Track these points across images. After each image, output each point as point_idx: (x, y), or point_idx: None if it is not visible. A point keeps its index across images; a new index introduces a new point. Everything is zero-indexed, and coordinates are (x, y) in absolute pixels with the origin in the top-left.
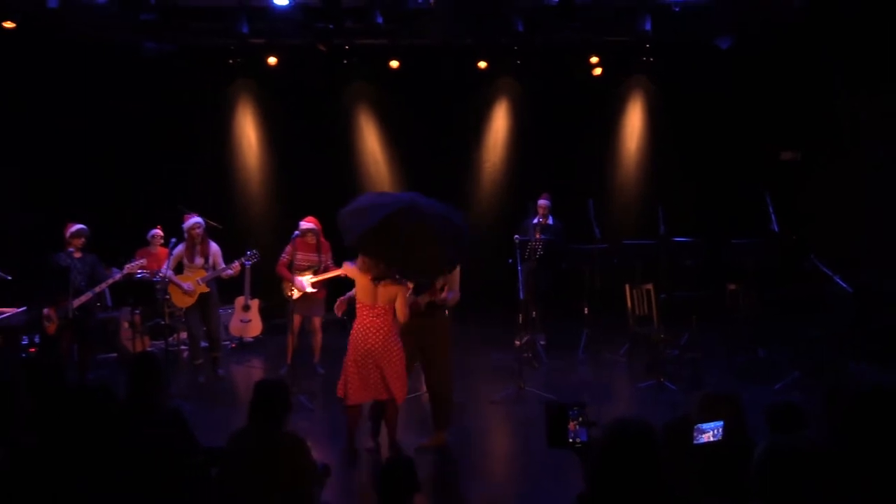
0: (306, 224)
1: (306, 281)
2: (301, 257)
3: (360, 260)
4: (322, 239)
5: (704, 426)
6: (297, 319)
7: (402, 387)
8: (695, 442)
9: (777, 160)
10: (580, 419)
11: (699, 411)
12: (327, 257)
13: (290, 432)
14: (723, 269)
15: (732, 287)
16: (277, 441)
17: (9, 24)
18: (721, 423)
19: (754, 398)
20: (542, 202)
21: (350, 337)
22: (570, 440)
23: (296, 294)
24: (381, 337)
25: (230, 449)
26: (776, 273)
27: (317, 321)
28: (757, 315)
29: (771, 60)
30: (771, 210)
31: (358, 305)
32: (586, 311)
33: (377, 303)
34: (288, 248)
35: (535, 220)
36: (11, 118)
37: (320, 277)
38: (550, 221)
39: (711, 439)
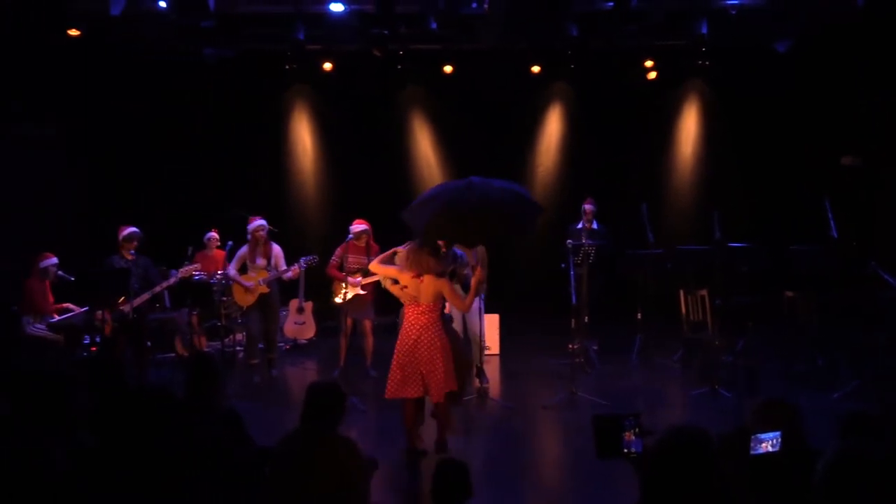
0: (359, 226)
1: (357, 282)
2: (351, 260)
3: (402, 257)
4: (371, 242)
5: (762, 436)
6: (348, 322)
7: (449, 383)
8: (752, 452)
9: (837, 165)
10: (636, 429)
11: (756, 418)
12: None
13: (340, 435)
14: (780, 275)
15: (790, 294)
16: (327, 443)
17: (74, 32)
18: (779, 433)
19: (812, 406)
20: (587, 206)
21: (398, 336)
22: (625, 451)
23: (348, 296)
24: (426, 334)
25: (281, 450)
26: (835, 279)
27: (367, 324)
28: (815, 322)
29: (831, 62)
30: (830, 216)
31: (405, 305)
32: (639, 317)
33: (421, 300)
34: (338, 251)
35: (580, 225)
36: (75, 124)
37: (369, 280)
38: (595, 226)
39: (770, 450)
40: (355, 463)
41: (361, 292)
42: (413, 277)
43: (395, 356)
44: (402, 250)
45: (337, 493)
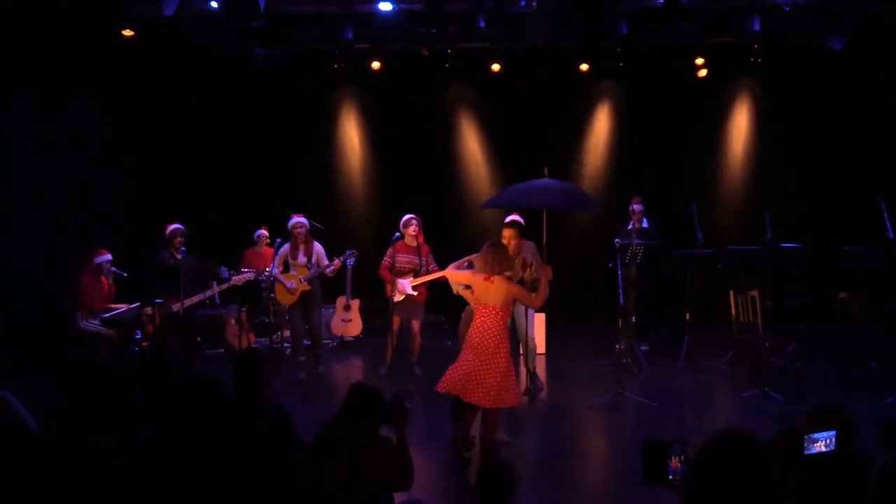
0: (406, 216)
1: (407, 284)
2: (402, 259)
3: (479, 259)
4: (421, 241)
5: (817, 436)
6: (396, 321)
7: (508, 392)
8: (806, 452)
9: (892, 164)
10: (682, 457)
11: (807, 422)
12: (428, 260)
13: (376, 436)
14: (833, 277)
15: (843, 296)
16: (358, 443)
17: (128, 33)
18: (834, 432)
19: (865, 411)
20: (635, 207)
21: (468, 335)
22: (671, 477)
23: (397, 297)
24: (490, 338)
25: (315, 447)
26: (891, 281)
27: (416, 324)
28: (870, 325)
29: (885, 60)
30: (886, 217)
31: (474, 307)
32: (688, 318)
33: (488, 302)
34: (389, 251)
35: (630, 226)
36: (130, 121)
37: (421, 280)
38: (645, 224)
39: (824, 449)
40: (385, 466)
41: (413, 293)
42: (484, 280)
43: (461, 354)
44: (476, 258)
45: (364, 493)
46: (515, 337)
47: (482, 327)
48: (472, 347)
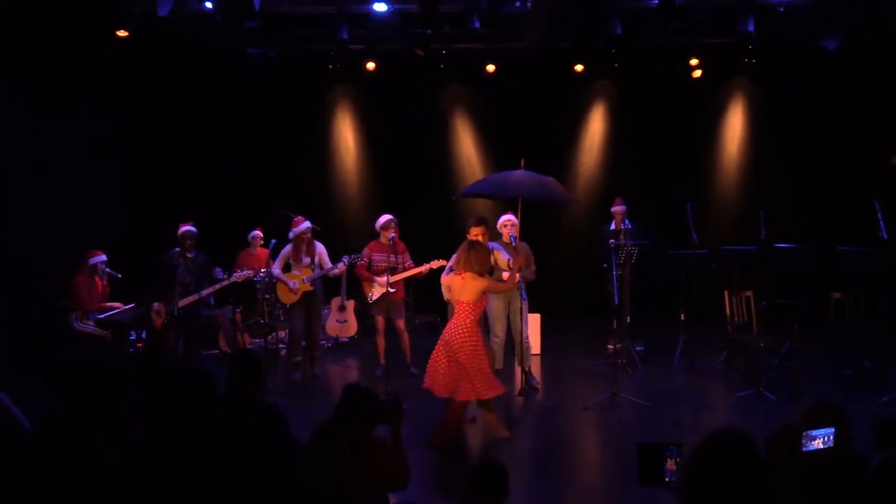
0: (383, 217)
1: (382, 282)
2: (377, 258)
3: (462, 258)
4: (398, 239)
5: (815, 433)
6: (380, 321)
7: (486, 385)
8: (804, 449)
9: (886, 164)
10: (677, 459)
11: (803, 420)
12: (404, 258)
13: (372, 437)
14: (827, 276)
15: (837, 295)
16: (353, 444)
17: (122, 33)
18: (833, 429)
19: (859, 410)
20: (616, 209)
21: (443, 331)
22: (667, 480)
23: (375, 295)
24: (468, 335)
25: (310, 448)
26: (884, 281)
27: (400, 322)
28: (864, 325)
29: (881, 60)
30: (880, 216)
31: (455, 303)
32: (683, 318)
33: (461, 299)
34: (365, 251)
35: (611, 227)
36: (123, 121)
37: (398, 276)
38: (628, 225)
39: (822, 446)
40: (380, 467)
41: (390, 290)
42: (456, 275)
43: (437, 350)
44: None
45: (359, 493)
46: (510, 334)
47: (460, 324)
48: (447, 343)
